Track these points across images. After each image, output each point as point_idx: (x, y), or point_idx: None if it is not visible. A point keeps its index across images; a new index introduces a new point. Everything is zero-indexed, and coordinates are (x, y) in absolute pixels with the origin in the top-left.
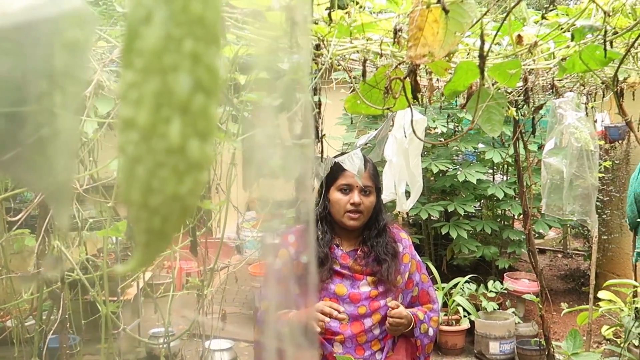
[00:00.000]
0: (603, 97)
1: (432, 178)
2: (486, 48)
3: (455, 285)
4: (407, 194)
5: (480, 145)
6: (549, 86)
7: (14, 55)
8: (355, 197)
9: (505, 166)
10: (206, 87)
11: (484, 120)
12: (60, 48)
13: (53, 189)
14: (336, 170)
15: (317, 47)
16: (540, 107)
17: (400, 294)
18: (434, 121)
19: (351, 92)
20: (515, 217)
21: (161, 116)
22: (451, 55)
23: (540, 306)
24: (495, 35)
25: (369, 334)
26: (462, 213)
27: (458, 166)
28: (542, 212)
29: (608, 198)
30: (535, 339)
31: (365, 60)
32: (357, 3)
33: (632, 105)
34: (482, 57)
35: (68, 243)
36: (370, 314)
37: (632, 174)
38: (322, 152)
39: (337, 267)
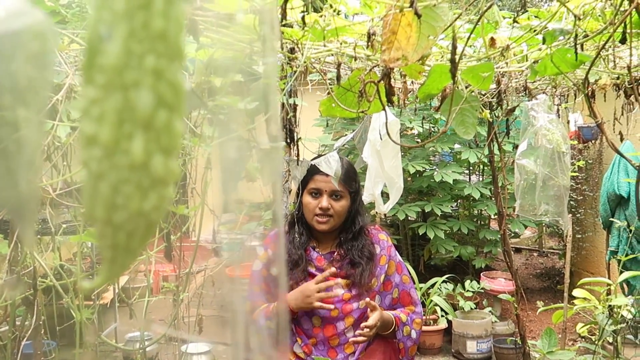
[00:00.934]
0: (575, 98)
1: (409, 179)
2: (459, 52)
3: (432, 285)
4: (387, 195)
5: (457, 146)
6: (522, 88)
7: None
8: (324, 201)
9: (481, 166)
10: (169, 103)
11: (458, 123)
12: (22, 62)
13: (16, 204)
14: (309, 174)
15: (292, 50)
16: (512, 109)
17: (377, 296)
18: (410, 122)
19: (327, 94)
20: (492, 216)
21: (124, 132)
22: (425, 58)
23: (516, 305)
24: (469, 38)
25: (341, 337)
26: (439, 213)
27: (435, 167)
28: (516, 213)
29: (582, 197)
30: (511, 337)
31: (339, 64)
32: (331, 7)
33: (604, 105)
34: (454, 63)
35: (41, 248)
36: (343, 317)
37: (605, 174)
38: (297, 154)
39: (312, 269)
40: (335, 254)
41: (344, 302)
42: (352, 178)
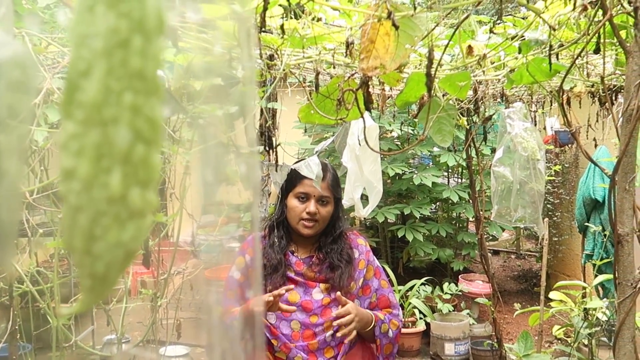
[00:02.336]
0: (551, 103)
1: (388, 181)
2: (436, 62)
3: (411, 288)
4: (367, 198)
5: (436, 149)
6: (499, 94)
7: None
8: (312, 206)
9: (460, 169)
10: (146, 138)
11: (435, 131)
12: (1, 90)
13: None
14: (295, 177)
15: (271, 57)
16: (489, 118)
17: (356, 300)
18: (390, 125)
19: (306, 99)
20: (470, 219)
21: (102, 167)
22: (403, 66)
23: (493, 309)
24: (446, 46)
25: (321, 342)
26: (418, 216)
27: (414, 169)
28: (492, 219)
29: (558, 200)
30: (488, 340)
31: (317, 73)
32: (310, 14)
33: (579, 112)
34: (430, 76)
35: (17, 252)
36: (323, 322)
37: (581, 177)
38: (276, 159)
39: (291, 274)
40: (314, 258)
41: (324, 306)
42: (337, 183)
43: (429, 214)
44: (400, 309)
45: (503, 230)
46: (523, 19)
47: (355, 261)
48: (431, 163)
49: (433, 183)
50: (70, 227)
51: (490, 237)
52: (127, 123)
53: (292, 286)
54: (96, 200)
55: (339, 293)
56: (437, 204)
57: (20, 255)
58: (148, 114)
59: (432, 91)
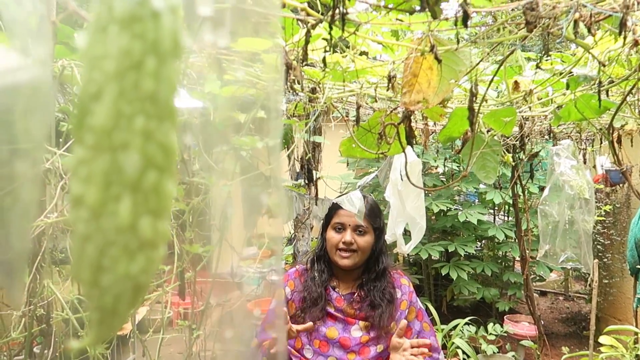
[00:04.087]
0: (601, 141)
1: (432, 217)
2: (479, 97)
3: (454, 327)
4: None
5: (482, 186)
6: (547, 131)
7: None
8: (347, 235)
9: (507, 207)
10: (159, 164)
11: (479, 167)
12: (20, 116)
13: (6, 259)
14: (332, 210)
15: (313, 90)
16: (535, 154)
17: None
18: (435, 160)
19: (348, 133)
20: (516, 259)
21: (111, 194)
22: (446, 101)
23: (539, 352)
24: (491, 81)
25: None
26: (463, 254)
27: (459, 206)
28: (538, 258)
29: (609, 241)
30: None
31: (359, 106)
32: (354, 48)
33: (631, 150)
34: (472, 110)
35: (58, 279)
36: None
37: (632, 218)
38: (317, 192)
39: (331, 310)
40: (355, 294)
41: (362, 344)
42: (376, 214)
43: (474, 252)
44: (441, 352)
45: (551, 270)
46: (572, 55)
47: (397, 301)
48: (477, 200)
49: (478, 220)
50: (78, 257)
51: (538, 278)
52: (138, 149)
53: (310, 323)
54: (104, 230)
55: (404, 321)
56: (483, 242)
57: (62, 283)
58: (161, 140)
59: (476, 126)
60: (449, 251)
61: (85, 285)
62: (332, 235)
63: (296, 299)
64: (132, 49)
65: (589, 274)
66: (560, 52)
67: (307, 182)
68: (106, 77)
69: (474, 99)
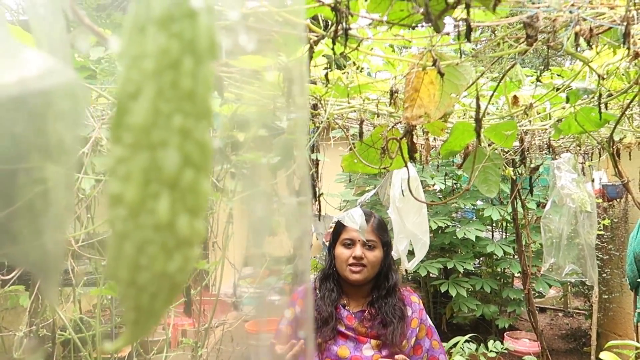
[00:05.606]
0: (600, 156)
1: (431, 235)
2: (482, 110)
3: (455, 345)
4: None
5: (479, 203)
6: (546, 145)
7: (5, 129)
8: (357, 250)
9: (504, 224)
10: (196, 163)
11: (481, 181)
12: (52, 120)
13: (42, 263)
14: (340, 226)
15: (315, 106)
16: (536, 168)
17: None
18: (432, 178)
19: (348, 150)
20: (515, 275)
21: (149, 192)
22: (447, 115)
23: None
24: (491, 96)
25: None
26: (462, 270)
27: (457, 223)
28: (542, 272)
29: (608, 256)
30: None
31: (362, 121)
32: (355, 64)
33: (629, 164)
34: (478, 121)
35: (62, 300)
36: None
37: (631, 233)
38: (319, 209)
39: (342, 328)
40: (365, 312)
41: None
42: (384, 229)
43: (473, 269)
44: None
45: (550, 286)
46: (569, 70)
47: (408, 319)
48: (474, 217)
49: (477, 237)
50: (115, 256)
51: (537, 294)
52: (176, 147)
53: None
54: (142, 227)
55: (402, 356)
56: (481, 258)
57: (64, 304)
58: (198, 138)
59: (480, 139)
60: (448, 268)
61: (122, 284)
62: (341, 251)
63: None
64: (170, 48)
65: (589, 290)
66: (556, 67)
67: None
68: (144, 76)
69: (479, 109)
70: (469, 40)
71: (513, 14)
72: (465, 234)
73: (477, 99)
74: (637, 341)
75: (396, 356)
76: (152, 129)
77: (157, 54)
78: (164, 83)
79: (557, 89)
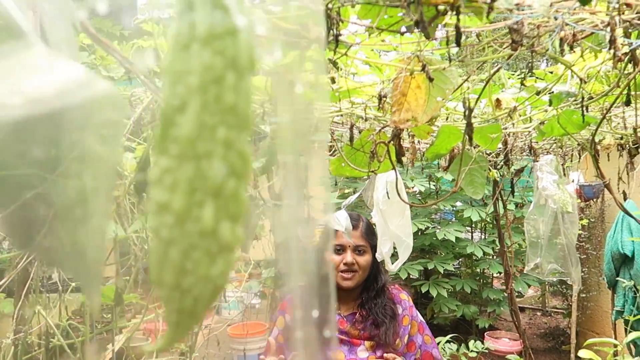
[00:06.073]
0: (580, 157)
1: None
2: (471, 114)
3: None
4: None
5: (458, 204)
6: (527, 147)
7: (47, 140)
8: (348, 256)
9: (484, 225)
10: (238, 172)
11: (467, 183)
12: (91, 131)
13: (82, 270)
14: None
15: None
16: (521, 170)
17: (402, 357)
18: (412, 180)
19: (331, 153)
20: (494, 275)
21: (195, 200)
22: (434, 119)
23: None
24: (477, 99)
25: None
26: (442, 271)
27: (437, 224)
28: (525, 272)
29: (585, 256)
30: None
31: (352, 125)
32: (338, 70)
33: (607, 165)
34: (470, 125)
35: (49, 305)
36: None
37: (608, 232)
38: (308, 212)
39: (335, 332)
40: (357, 315)
41: None
42: (372, 232)
43: (453, 270)
44: None
45: (529, 286)
46: (550, 72)
47: (399, 317)
48: (453, 218)
49: (457, 238)
50: (160, 261)
51: (517, 294)
52: (220, 157)
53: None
54: (188, 234)
55: (392, 355)
56: (461, 259)
57: (52, 310)
58: (240, 149)
59: (467, 142)
60: (428, 269)
61: (166, 288)
62: (332, 257)
63: None
64: (214, 64)
65: (567, 289)
66: (534, 69)
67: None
68: (190, 91)
69: (471, 113)
70: (458, 46)
71: (498, 20)
72: (445, 235)
73: (468, 102)
74: (616, 339)
75: (385, 354)
76: (197, 140)
77: (201, 70)
78: (209, 97)
79: (539, 93)
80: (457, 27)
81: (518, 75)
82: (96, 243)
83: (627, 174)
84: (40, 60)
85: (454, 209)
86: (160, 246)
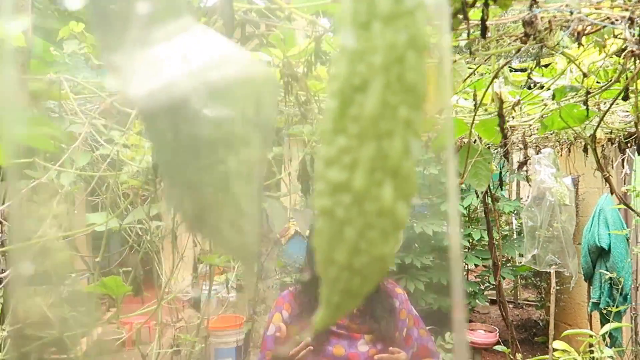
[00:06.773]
0: (561, 151)
1: None
2: (473, 107)
3: None
4: None
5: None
6: (520, 141)
7: (217, 118)
8: None
9: (461, 218)
10: (413, 152)
11: (472, 175)
12: (249, 106)
13: (241, 251)
14: None
15: (306, 102)
16: (524, 162)
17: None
18: None
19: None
20: (469, 268)
21: (375, 180)
22: (442, 111)
23: (512, 357)
24: (485, 91)
25: None
26: (419, 265)
27: (412, 219)
28: (523, 263)
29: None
30: None
31: None
32: None
33: (582, 160)
34: (502, 117)
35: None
36: None
37: (584, 226)
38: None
39: (334, 328)
40: (354, 309)
41: (370, 358)
42: None
43: (430, 263)
44: (440, 356)
45: (503, 278)
46: (545, 66)
47: (396, 311)
48: (426, 211)
49: (433, 232)
50: (332, 241)
51: (491, 287)
52: (401, 137)
53: (307, 339)
54: (366, 213)
55: (397, 349)
56: (436, 252)
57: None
58: (417, 129)
59: (503, 132)
60: (406, 263)
61: (337, 268)
62: None
63: (296, 322)
64: (396, 43)
65: (540, 282)
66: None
67: (303, 192)
68: (372, 70)
69: (502, 105)
70: (484, 37)
71: (514, 14)
72: (423, 229)
73: (500, 96)
74: (591, 330)
75: (390, 348)
76: (380, 119)
77: (385, 49)
78: (391, 76)
79: (542, 87)
80: (482, 20)
81: (526, 67)
82: (255, 220)
83: (601, 169)
84: (204, 40)
85: (431, 202)
86: (334, 226)
